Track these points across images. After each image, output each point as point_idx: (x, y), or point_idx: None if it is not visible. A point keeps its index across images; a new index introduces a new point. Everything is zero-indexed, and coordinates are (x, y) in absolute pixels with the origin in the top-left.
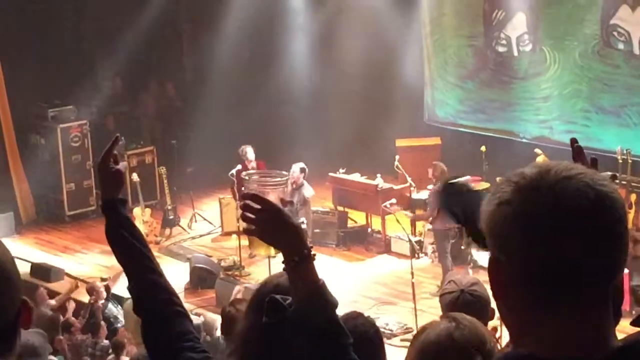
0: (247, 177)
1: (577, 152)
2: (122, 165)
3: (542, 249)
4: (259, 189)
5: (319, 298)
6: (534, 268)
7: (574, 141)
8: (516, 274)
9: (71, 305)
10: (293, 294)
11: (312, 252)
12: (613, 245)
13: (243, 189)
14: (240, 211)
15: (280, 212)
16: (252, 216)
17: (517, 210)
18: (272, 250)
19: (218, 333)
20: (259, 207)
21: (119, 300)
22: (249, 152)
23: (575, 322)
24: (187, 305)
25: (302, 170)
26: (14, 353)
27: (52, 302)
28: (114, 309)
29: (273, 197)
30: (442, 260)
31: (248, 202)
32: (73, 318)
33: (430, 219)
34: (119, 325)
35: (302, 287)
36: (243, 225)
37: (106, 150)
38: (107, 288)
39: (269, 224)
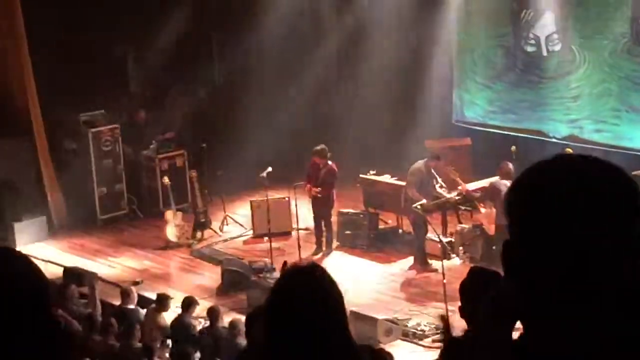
0: None
1: None
2: None
3: (542, 218)
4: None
5: None
6: (533, 240)
7: None
8: (522, 249)
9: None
10: None
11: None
12: (619, 226)
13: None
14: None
15: None
16: None
17: (528, 179)
18: None
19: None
20: None
21: (141, 304)
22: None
23: (573, 319)
24: (221, 308)
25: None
26: None
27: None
28: (142, 313)
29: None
30: None
31: None
32: (113, 320)
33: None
34: None
35: None
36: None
37: None
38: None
39: None
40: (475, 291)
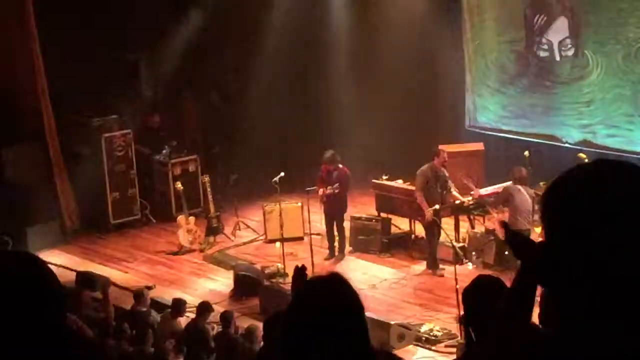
0: None
1: None
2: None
3: (564, 218)
4: None
5: None
6: (557, 242)
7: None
8: (545, 251)
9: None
10: None
11: None
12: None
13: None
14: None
15: None
16: None
17: (559, 180)
18: None
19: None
20: None
21: (156, 307)
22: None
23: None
24: (234, 313)
25: None
26: None
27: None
28: (157, 317)
29: None
30: None
31: None
32: (126, 324)
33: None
34: None
35: None
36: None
37: None
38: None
39: None
40: (477, 299)
